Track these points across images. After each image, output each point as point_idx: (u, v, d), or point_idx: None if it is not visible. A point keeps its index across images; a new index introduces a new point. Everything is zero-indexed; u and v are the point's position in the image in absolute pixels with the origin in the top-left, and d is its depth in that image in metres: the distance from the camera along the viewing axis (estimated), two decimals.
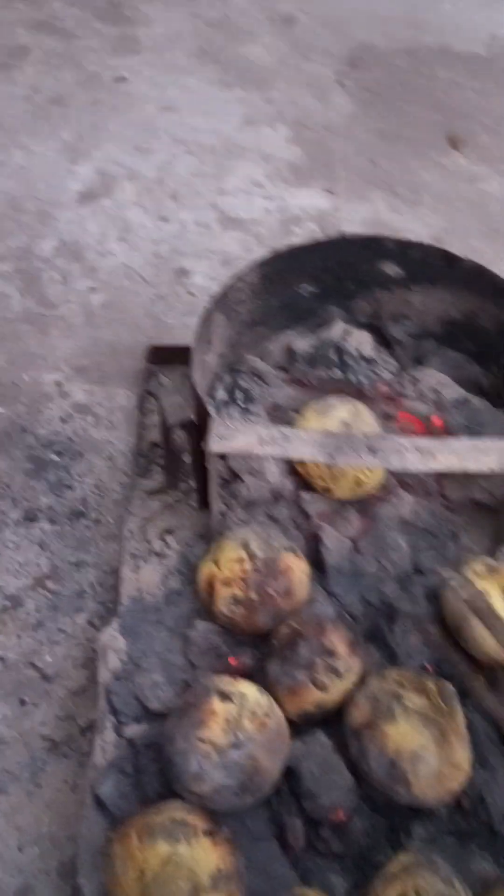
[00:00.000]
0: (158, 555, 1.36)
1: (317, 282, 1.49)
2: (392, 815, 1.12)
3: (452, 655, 1.23)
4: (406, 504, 1.42)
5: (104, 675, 1.21)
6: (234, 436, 1.14)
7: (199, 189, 2.21)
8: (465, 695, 1.21)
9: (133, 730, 1.17)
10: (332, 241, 1.43)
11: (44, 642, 1.37)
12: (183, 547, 1.36)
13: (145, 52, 2.62)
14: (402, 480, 1.45)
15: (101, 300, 1.89)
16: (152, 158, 2.26)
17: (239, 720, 1.05)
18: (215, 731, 1.04)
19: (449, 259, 1.41)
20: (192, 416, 1.19)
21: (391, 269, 1.47)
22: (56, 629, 1.38)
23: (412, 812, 1.12)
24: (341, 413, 1.35)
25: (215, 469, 1.23)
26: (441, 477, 1.45)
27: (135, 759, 1.13)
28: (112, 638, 1.25)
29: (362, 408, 1.38)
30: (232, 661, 1.22)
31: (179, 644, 1.26)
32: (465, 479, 1.43)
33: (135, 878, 0.97)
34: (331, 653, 1.12)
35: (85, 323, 1.84)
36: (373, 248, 1.44)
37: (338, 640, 1.13)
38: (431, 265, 1.44)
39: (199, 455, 1.20)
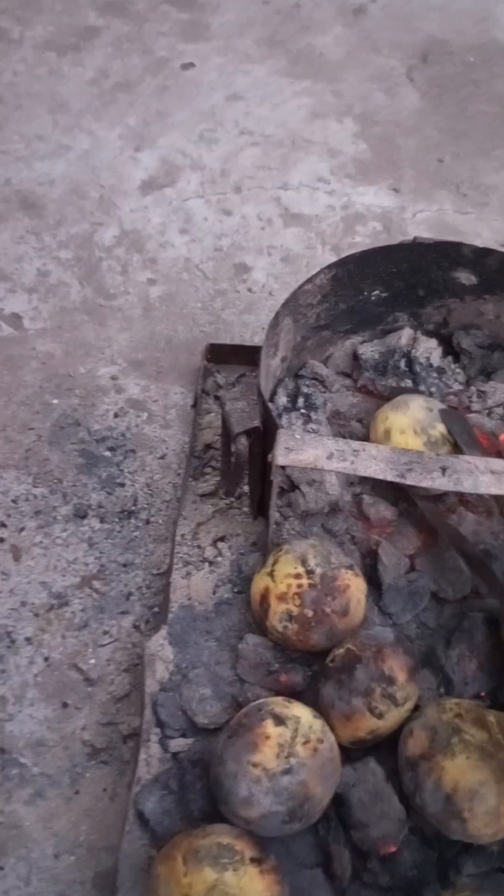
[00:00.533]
0: (210, 562, 1.32)
1: (387, 287, 1.43)
2: (443, 849, 1.08)
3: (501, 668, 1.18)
4: (468, 523, 1.36)
5: (151, 686, 1.19)
6: (302, 448, 1.10)
7: (263, 182, 2.16)
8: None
9: (179, 744, 1.14)
10: (405, 245, 1.38)
11: (88, 644, 1.34)
12: (236, 555, 1.33)
13: (214, 38, 2.56)
14: (463, 498, 1.40)
15: (159, 293, 1.85)
16: (217, 148, 2.21)
17: (292, 745, 1.01)
18: (268, 755, 1.00)
19: None
20: (258, 425, 1.14)
21: (465, 276, 1.41)
22: (101, 631, 1.36)
23: (463, 846, 1.08)
24: (419, 403, 1.33)
25: (277, 480, 1.18)
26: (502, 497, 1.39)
27: (180, 776, 1.10)
28: (160, 646, 1.23)
29: (436, 404, 1.34)
30: (283, 678, 1.18)
31: (228, 656, 1.23)
32: None
33: None
34: (390, 680, 1.07)
35: (142, 315, 1.81)
36: (448, 254, 1.38)
37: (397, 667, 1.09)
38: None
39: (261, 464, 1.16)
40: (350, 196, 2.16)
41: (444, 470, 1.10)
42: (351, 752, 1.12)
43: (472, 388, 1.46)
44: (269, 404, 1.17)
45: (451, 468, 1.10)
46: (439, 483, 1.10)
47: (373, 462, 1.10)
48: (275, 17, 2.68)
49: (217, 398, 1.58)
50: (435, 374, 1.46)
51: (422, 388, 1.43)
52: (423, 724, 1.08)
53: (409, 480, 1.09)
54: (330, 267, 1.33)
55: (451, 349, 1.53)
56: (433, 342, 1.49)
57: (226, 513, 1.40)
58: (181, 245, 1.97)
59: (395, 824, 1.05)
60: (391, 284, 1.44)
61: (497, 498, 1.38)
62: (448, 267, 1.41)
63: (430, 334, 1.51)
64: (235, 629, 1.26)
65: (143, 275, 1.88)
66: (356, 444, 1.11)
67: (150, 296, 1.85)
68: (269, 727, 1.02)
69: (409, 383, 1.43)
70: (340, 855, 1.05)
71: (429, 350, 1.47)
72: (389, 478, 1.09)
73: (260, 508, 1.27)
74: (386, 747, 1.12)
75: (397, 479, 1.09)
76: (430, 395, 1.44)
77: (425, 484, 1.09)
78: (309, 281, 1.31)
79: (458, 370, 1.49)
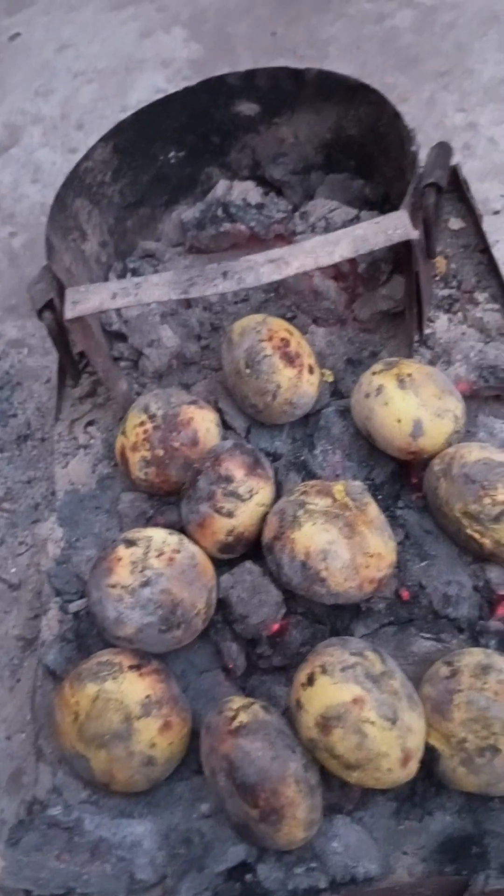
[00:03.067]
0: (85, 447, 1.39)
1: (180, 144, 1.46)
2: (334, 621, 1.12)
3: (368, 456, 1.21)
4: (319, 338, 1.39)
5: (45, 564, 1.26)
6: (87, 298, 1.15)
7: (104, 112, 2.20)
8: (378, 489, 1.20)
9: (78, 605, 1.21)
10: (174, 95, 1.40)
11: (7, 557, 1.43)
12: (106, 434, 1.39)
13: (38, 1, 2.61)
14: (315, 317, 1.42)
15: (22, 241, 1.93)
16: (54, 98, 2.27)
17: (145, 560, 1.07)
18: (122, 574, 1.06)
19: (293, 74, 1.36)
20: (53, 296, 1.20)
21: (247, 107, 1.43)
22: (17, 543, 1.44)
23: (353, 615, 1.12)
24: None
25: (94, 341, 1.23)
26: (350, 302, 1.41)
27: (77, 627, 1.17)
28: (50, 530, 1.30)
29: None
30: (160, 519, 1.24)
31: (117, 522, 1.29)
32: (369, 295, 1.39)
33: (71, 722, 1.01)
34: (228, 479, 1.12)
35: (10, 265, 1.88)
36: (219, 90, 1.41)
37: (234, 467, 1.13)
38: (282, 89, 1.39)
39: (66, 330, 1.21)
40: None
41: (225, 274, 1.13)
42: (233, 562, 1.16)
43: (296, 213, 1.48)
44: (62, 273, 1.22)
45: (231, 270, 1.13)
46: (223, 287, 1.13)
47: (155, 288, 1.14)
48: None
49: None
50: (254, 211, 1.48)
51: (241, 226, 1.45)
52: (274, 510, 1.12)
53: (194, 293, 1.12)
54: (105, 139, 1.37)
55: (273, 186, 1.55)
56: (249, 184, 1.51)
57: (102, 406, 1.46)
58: (35, 193, 2.03)
59: (273, 608, 1.10)
60: (183, 140, 1.47)
61: (347, 304, 1.40)
62: (225, 103, 1.43)
63: (245, 179, 1.53)
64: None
65: (3, 231, 1.96)
66: (138, 279, 1.15)
67: (13, 247, 1.92)
68: (121, 550, 1.08)
69: (226, 226, 1.46)
70: (228, 648, 1.10)
71: (244, 192, 1.49)
72: (174, 296, 1.12)
73: (74, 373, 1.32)
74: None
75: (182, 296, 1.12)
76: (253, 230, 1.46)
77: (210, 292, 1.12)
78: (86, 157, 1.35)
79: (279, 201, 1.51)
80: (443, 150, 1.19)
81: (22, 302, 1.80)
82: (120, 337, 1.40)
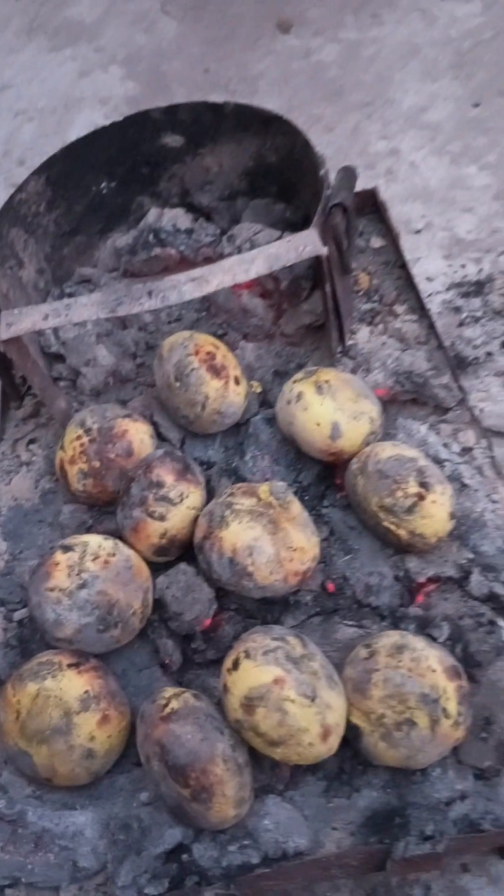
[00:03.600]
0: (27, 464, 1.44)
1: (110, 175, 1.55)
2: (264, 615, 1.18)
3: (295, 460, 1.28)
4: (249, 352, 1.47)
5: None
6: (20, 320, 1.22)
7: (45, 149, 2.25)
8: (305, 491, 1.27)
9: (23, 613, 1.26)
10: (102, 129, 1.49)
11: None
12: (47, 451, 1.45)
13: None
14: (245, 333, 1.50)
15: None
16: None
17: (81, 563, 1.12)
18: (59, 578, 1.11)
19: (212, 109, 1.46)
20: None
21: (172, 139, 1.52)
22: None
23: (282, 608, 1.19)
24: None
25: (31, 361, 1.30)
26: (277, 318, 1.49)
27: (20, 633, 1.22)
28: None
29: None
30: (98, 528, 1.29)
31: (60, 534, 1.35)
32: (293, 311, 1.48)
33: (13, 720, 1.05)
34: (159, 484, 1.18)
35: None
36: (144, 124, 1.49)
37: (164, 473, 1.20)
38: (203, 122, 1.48)
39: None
40: None
41: (150, 293, 1.21)
42: (169, 565, 1.22)
43: (223, 237, 1.57)
44: None
45: (156, 289, 1.21)
46: (149, 305, 1.20)
47: (84, 308, 1.21)
48: (31, 6, 2.82)
49: None
50: (184, 236, 1.56)
51: (171, 250, 1.54)
52: (203, 513, 1.18)
53: (121, 312, 1.20)
54: (37, 172, 1.45)
55: (202, 212, 1.64)
56: (179, 211, 1.60)
57: (45, 426, 1.52)
58: None
59: (206, 605, 1.16)
60: (113, 172, 1.55)
61: (274, 319, 1.49)
62: (151, 136, 1.52)
63: (175, 206, 1.62)
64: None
65: None
66: (69, 300, 1.22)
67: None
68: (58, 555, 1.14)
69: (158, 251, 1.54)
70: (164, 645, 1.16)
71: (174, 218, 1.58)
72: (102, 315, 1.20)
73: (15, 394, 1.39)
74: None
75: (110, 315, 1.19)
76: (182, 253, 1.54)
77: (136, 310, 1.20)
78: (20, 190, 1.43)
79: (208, 226, 1.59)
80: (347, 173, 1.29)
81: None
82: (59, 358, 1.47)
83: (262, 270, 1.19)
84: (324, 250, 1.20)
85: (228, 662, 1.01)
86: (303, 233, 1.21)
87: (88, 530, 1.30)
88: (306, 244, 1.20)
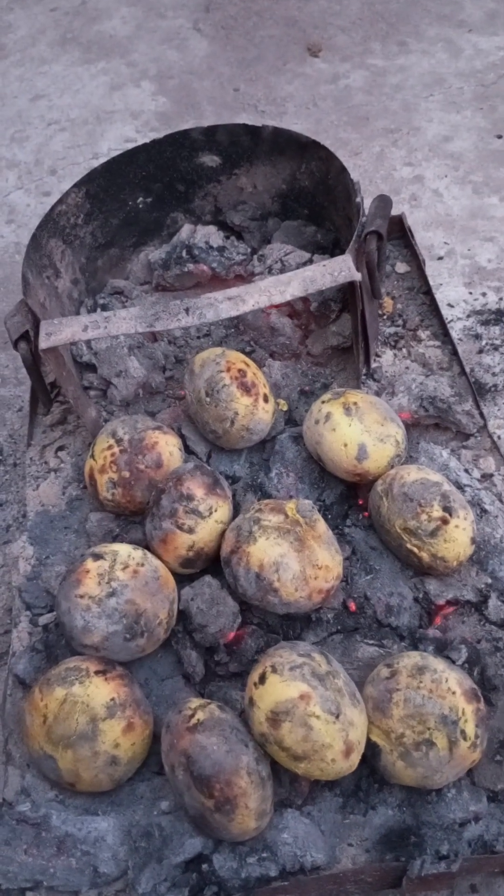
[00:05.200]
0: (55, 471, 1.47)
1: (147, 191, 1.58)
2: (286, 630, 1.21)
3: (319, 479, 1.31)
4: (275, 370, 1.50)
5: (17, 580, 1.33)
6: (60, 330, 1.24)
7: (75, 159, 2.32)
8: (328, 509, 1.30)
9: (48, 618, 1.28)
10: (142, 147, 1.52)
11: None
12: (75, 458, 1.47)
13: (11, 55, 2.75)
14: (272, 351, 1.53)
15: None
16: (28, 144, 2.38)
17: (112, 572, 1.15)
18: (90, 585, 1.13)
19: (251, 131, 1.49)
20: (28, 328, 1.29)
21: (209, 158, 1.55)
22: None
23: (304, 624, 1.21)
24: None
25: (66, 370, 1.32)
26: (304, 338, 1.52)
27: (45, 638, 1.24)
28: (21, 548, 1.37)
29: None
30: (125, 538, 1.32)
31: (85, 541, 1.37)
32: (321, 331, 1.51)
33: (40, 724, 1.07)
34: (189, 497, 1.21)
35: None
36: (183, 143, 1.53)
37: (195, 486, 1.22)
38: (240, 143, 1.52)
39: (39, 361, 1.30)
40: None
41: (187, 310, 1.24)
42: (193, 577, 1.25)
43: (254, 256, 1.60)
44: (36, 306, 1.31)
45: (193, 306, 1.24)
46: (186, 321, 1.23)
47: (123, 322, 1.24)
48: (63, 18, 2.87)
49: None
50: (216, 253, 1.59)
51: (203, 267, 1.57)
52: (231, 527, 1.21)
53: (158, 327, 1.23)
54: (78, 185, 1.48)
55: (234, 230, 1.67)
56: (211, 228, 1.63)
57: (72, 433, 1.55)
58: (9, 234, 2.13)
59: (230, 618, 1.18)
60: (150, 188, 1.58)
61: (301, 339, 1.52)
62: (189, 155, 1.55)
63: (208, 223, 1.65)
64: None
65: None
66: (108, 313, 1.25)
67: None
68: (89, 563, 1.16)
69: (190, 267, 1.57)
70: (188, 656, 1.18)
71: (207, 235, 1.61)
72: (140, 329, 1.22)
73: (46, 400, 1.41)
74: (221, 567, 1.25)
75: (148, 329, 1.22)
76: (214, 271, 1.57)
77: (173, 325, 1.23)
78: (61, 202, 1.46)
79: (239, 244, 1.62)
80: (383, 201, 1.32)
81: None
82: (90, 367, 1.49)
83: (298, 293, 1.22)
84: (358, 276, 1.23)
85: (255, 676, 1.03)
86: (338, 258, 1.24)
87: (115, 539, 1.32)
88: (342, 269, 1.23)
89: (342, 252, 1.49)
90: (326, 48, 2.57)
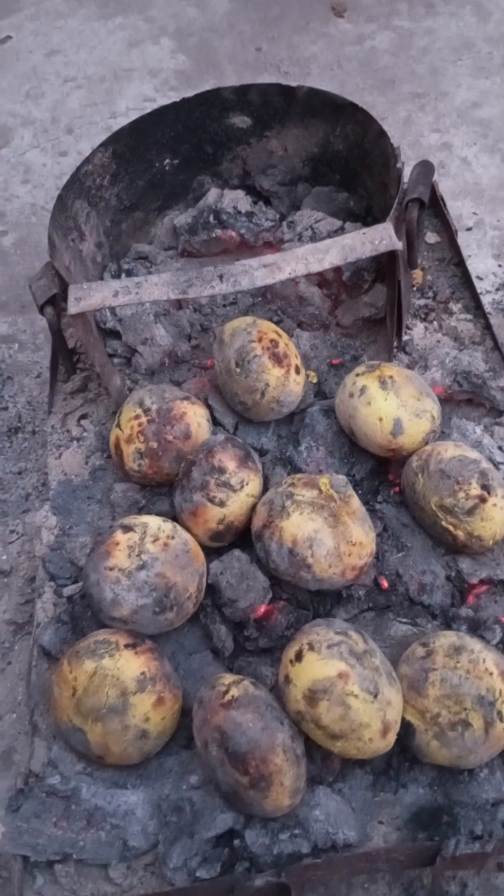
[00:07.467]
0: (78, 439, 1.44)
1: (174, 152, 1.53)
2: (316, 606, 1.19)
3: (350, 454, 1.28)
4: (304, 341, 1.46)
5: (40, 550, 1.31)
6: (90, 295, 1.21)
7: (92, 118, 2.26)
8: (358, 485, 1.27)
9: (72, 589, 1.26)
10: (170, 106, 1.47)
11: None
12: (99, 427, 1.44)
13: (26, 7, 2.66)
14: (300, 321, 1.50)
15: (12, 240, 1.97)
16: (44, 101, 2.31)
17: (142, 545, 1.12)
18: (120, 558, 1.11)
19: (284, 92, 1.44)
20: (56, 291, 1.25)
21: (240, 119, 1.50)
22: (8, 531, 1.48)
23: (335, 601, 1.19)
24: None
25: (93, 336, 1.29)
26: (333, 308, 1.49)
27: (71, 609, 1.22)
28: (44, 518, 1.34)
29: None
30: (151, 509, 1.29)
31: (108, 511, 1.34)
32: (352, 302, 1.47)
33: (69, 697, 1.06)
34: (221, 470, 1.18)
35: (0, 264, 1.92)
36: (213, 103, 1.47)
37: (226, 459, 1.19)
38: (273, 104, 1.47)
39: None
40: None
41: (221, 277, 1.20)
42: (221, 550, 1.22)
43: (283, 223, 1.55)
44: (63, 270, 1.27)
45: (228, 273, 1.20)
46: (220, 289, 1.19)
47: (155, 287, 1.20)
48: None
49: None
50: (244, 219, 1.55)
51: (231, 232, 1.52)
52: (263, 501, 1.18)
53: (192, 294, 1.19)
54: (105, 144, 1.43)
55: (262, 196, 1.62)
56: (239, 193, 1.58)
57: (94, 401, 1.51)
58: (25, 194, 2.08)
59: (260, 593, 1.16)
60: (177, 149, 1.53)
61: (331, 310, 1.48)
62: (219, 115, 1.50)
63: (236, 188, 1.60)
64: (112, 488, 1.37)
65: None
66: (138, 279, 1.21)
67: (4, 246, 1.96)
68: (118, 535, 1.13)
69: (218, 232, 1.52)
70: (218, 630, 1.16)
71: (235, 200, 1.56)
72: (173, 296, 1.19)
73: (70, 366, 1.38)
74: (251, 541, 1.22)
75: (180, 296, 1.19)
76: (242, 237, 1.53)
77: (207, 293, 1.19)
78: (87, 161, 1.41)
79: (267, 210, 1.58)
80: (425, 168, 1.28)
81: (13, 298, 1.84)
82: (114, 335, 1.45)
83: (336, 261, 1.18)
84: (399, 245, 1.19)
85: (291, 654, 1.01)
86: (379, 226, 1.20)
87: (140, 511, 1.30)
88: (382, 237, 1.19)
89: (374, 220, 1.45)
90: (351, 8, 2.49)
